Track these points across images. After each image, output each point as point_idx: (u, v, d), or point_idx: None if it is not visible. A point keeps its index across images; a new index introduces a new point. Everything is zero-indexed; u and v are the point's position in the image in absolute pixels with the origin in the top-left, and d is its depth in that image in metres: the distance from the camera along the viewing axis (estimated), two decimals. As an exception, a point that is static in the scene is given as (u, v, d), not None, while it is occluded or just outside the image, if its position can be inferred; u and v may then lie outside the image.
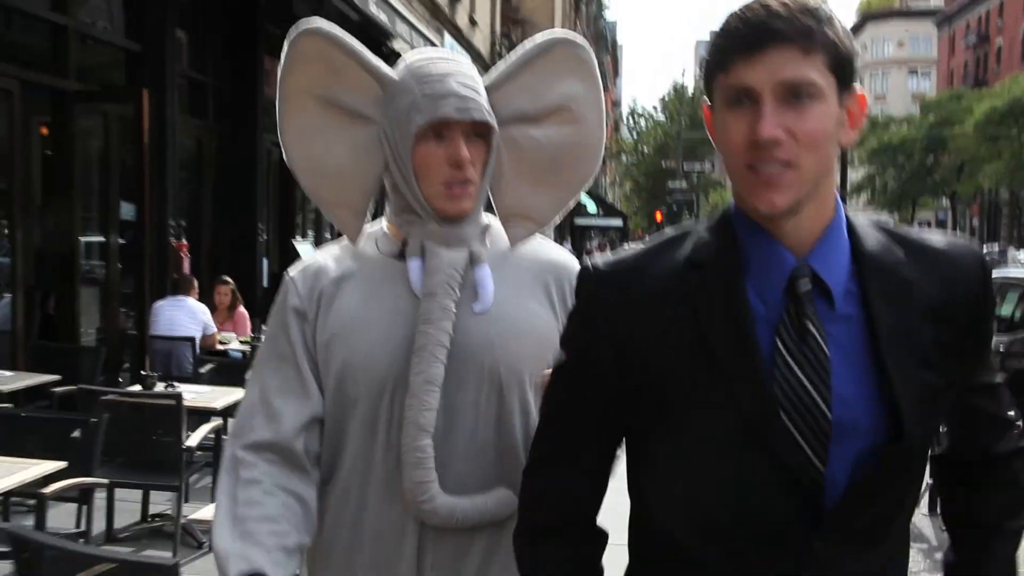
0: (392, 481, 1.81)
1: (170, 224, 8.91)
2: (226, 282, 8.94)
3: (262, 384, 1.86)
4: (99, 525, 5.24)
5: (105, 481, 4.86)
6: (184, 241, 9.24)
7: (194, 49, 9.99)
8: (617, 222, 50.12)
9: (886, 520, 1.35)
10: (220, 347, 8.32)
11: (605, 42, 78.33)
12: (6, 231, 7.29)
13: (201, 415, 5.70)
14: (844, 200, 1.48)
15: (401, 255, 1.87)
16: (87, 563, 2.44)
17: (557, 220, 2.00)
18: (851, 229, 1.39)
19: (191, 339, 7.78)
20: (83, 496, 4.66)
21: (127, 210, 8.66)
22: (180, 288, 8.27)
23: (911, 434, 1.29)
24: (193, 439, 5.36)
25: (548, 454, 1.48)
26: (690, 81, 66.36)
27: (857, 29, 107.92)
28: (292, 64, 1.89)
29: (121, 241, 8.69)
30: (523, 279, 1.91)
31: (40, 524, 4.10)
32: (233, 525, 1.74)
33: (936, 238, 1.43)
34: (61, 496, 4.42)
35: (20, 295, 7.23)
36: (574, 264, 1.92)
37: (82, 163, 8.12)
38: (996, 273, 11.14)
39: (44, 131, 7.93)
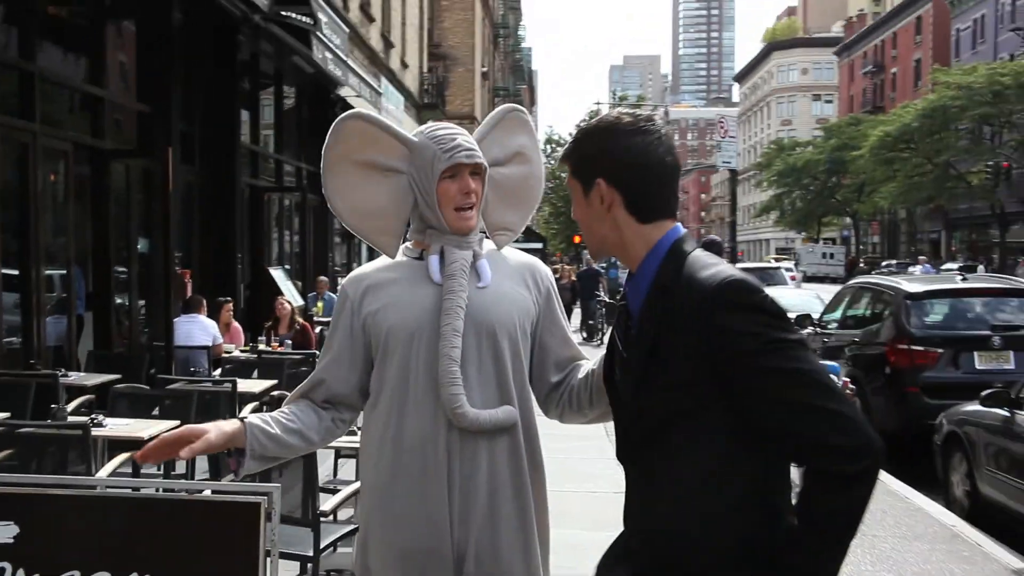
0: (426, 401, 2.46)
1: (176, 255, 10.66)
2: (228, 301, 10.75)
3: (323, 358, 2.64)
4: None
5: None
6: (187, 269, 11.00)
7: (185, 106, 11.73)
8: (537, 245, 51.90)
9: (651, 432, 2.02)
10: (224, 355, 10.07)
11: (522, 73, 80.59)
12: (65, 270, 9.02)
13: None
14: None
15: (421, 257, 2.58)
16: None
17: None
18: (662, 267, 2.03)
19: (206, 347, 9.56)
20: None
21: (143, 244, 10.42)
22: (191, 307, 10.04)
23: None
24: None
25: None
26: (605, 108, 68.07)
27: (763, 58, 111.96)
28: (336, 140, 2.61)
29: (141, 271, 10.47)
30: (508, 270, 2.64)
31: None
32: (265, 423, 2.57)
33: (691, 281, 1.96)
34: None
35: (72, 317, 9.00)
36: (538, 262, 2.76)
37: (114, 209, 9.87)
38: (854, 280, 13.29)
39: (53, 177, 9.55)
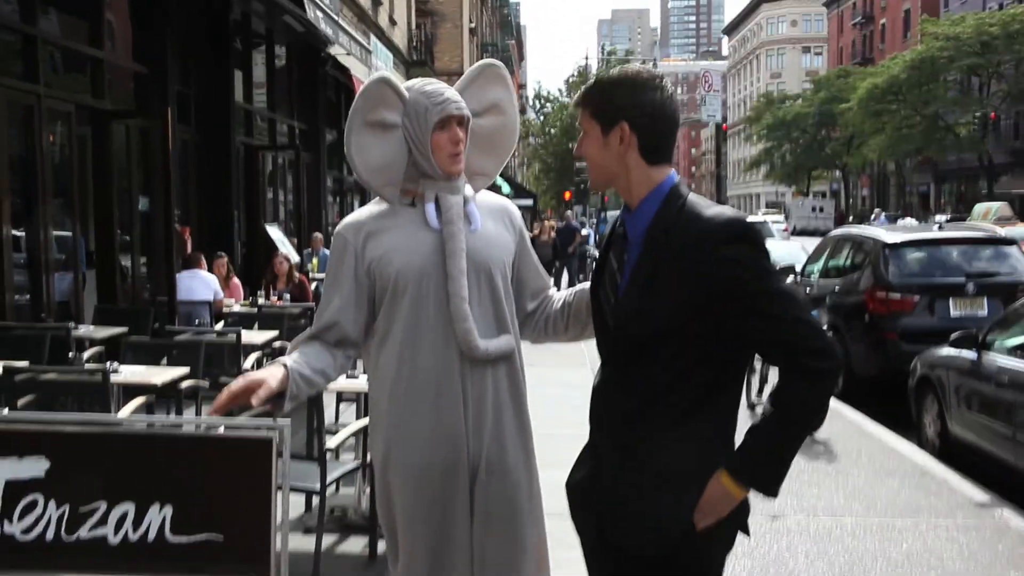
0: (438, 335, 2.75)
1: (175, 213, 10.92)
2: (221, 256, 11.03)
3: (328, 301, 2.84)
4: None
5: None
6: (186, 226, 11.27)
7: (181, 67, 11.93)
8: (528, 201, 52.11)
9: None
10: (225, 309, 10.37)
11: (510, 28, 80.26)
12: (71, 229, 9.31)
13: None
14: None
15: (412, 204, 2.83)
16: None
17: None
18: (664, 204, 2.33)
19: (207, 302, 9.86)
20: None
21: (143, 203, 10.69)
22: (191, 263, 10.31)
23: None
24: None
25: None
26: (594, 62, 67.80)
27: (752, 10, 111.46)
28: (362, 103, 2.83)
29: (142, 228, 10.75)
30: (490, 212, 2.94)
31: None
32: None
33: (698, 218, 2.28)
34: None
35: (79, 274, 9.29)
36: (509, 203, 3.05)
37: (115, 168, 10.13)
38: (835, 232, 13.59)
39: (52, 138, 9.79)
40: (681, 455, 2.32)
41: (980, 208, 33.25)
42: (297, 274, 11.69)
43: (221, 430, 4.69)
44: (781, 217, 55.94)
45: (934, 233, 10.89)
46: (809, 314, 2.27)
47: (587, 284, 2.75)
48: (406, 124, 2.80)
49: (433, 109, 2.77)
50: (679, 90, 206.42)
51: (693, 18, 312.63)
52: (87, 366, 6.18)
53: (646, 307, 2.31)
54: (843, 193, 74.44)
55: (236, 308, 10.46)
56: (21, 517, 4.24)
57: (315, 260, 15.40)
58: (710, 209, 2.31)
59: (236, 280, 11.22)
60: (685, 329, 2.28)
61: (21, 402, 5.54)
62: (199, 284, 10.03)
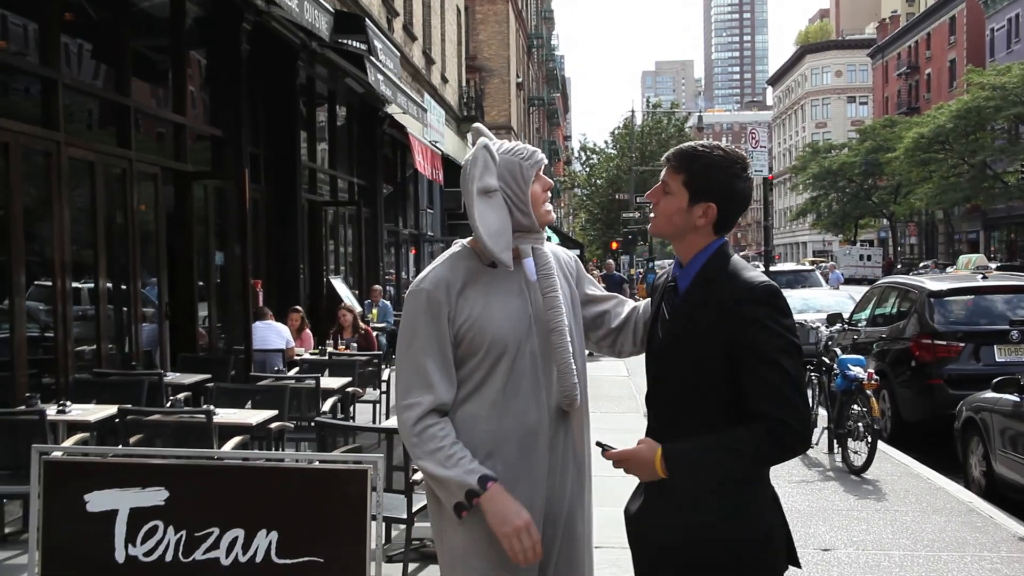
0: (535, 390, 2.81)
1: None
2: (297, 310, 11.65)
3: (415, 365, 2.76)
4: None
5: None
6: (257, 279, 11.89)
7: (251, 129, 12.62)
8: (575, 252, 52.37)
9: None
10: (296, 358, 10.94)
11: (556, 82, 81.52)
12: (154, 278, 9.95)
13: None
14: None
15: (492, 265, 2.84)
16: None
17: None
18: (708, 263, 2.65)
19: (280, 350, 10.43)
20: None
21: (219, 258, 11.36)
22: (261, 316, 10.92)
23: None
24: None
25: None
26: (639, 116, 68.27)
27: (796, 61, 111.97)
28: (474, 168, 2.86)
29: (218, 281, 11.42)
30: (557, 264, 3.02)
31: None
32: (441, 464, 2.69)
33: (735, 277, 2.60)
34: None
35: (162, 324, 9.93)
36: (560, 249, 3.10)
37: (196, 226, 10.81)
38: (881, 281, 13.94)
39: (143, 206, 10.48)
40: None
41: (963, 259, 41.49)
42: (362, 325, 12.26)
43: (316, 464, 5.20)
44: (832, 263, 56.06)
45: (978, 282, 11.21)
46: (805, 399, 2.56)
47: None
48: (502, 186, 2.86)
49: (527, 165, 2.87)
50: (723, 140, 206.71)
51: (737, 69, 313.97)
52: (185, 408, 6.73)
53: (687, 341, 2.62)
54: (891, 241, 74.17)
55: (307, 356, 11.03)
56: (144, 541, 4.77)
57: (375, 311, 15.97)
58: (747, 271, 2.63)
59: (308, 331, 11.81)
60: (716, 363, 2.57)
61: (131, 440, 6.08)
62: (273, 334, 10.62)
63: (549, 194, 2.95)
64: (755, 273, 2.66)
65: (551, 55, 77.77)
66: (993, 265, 39.27)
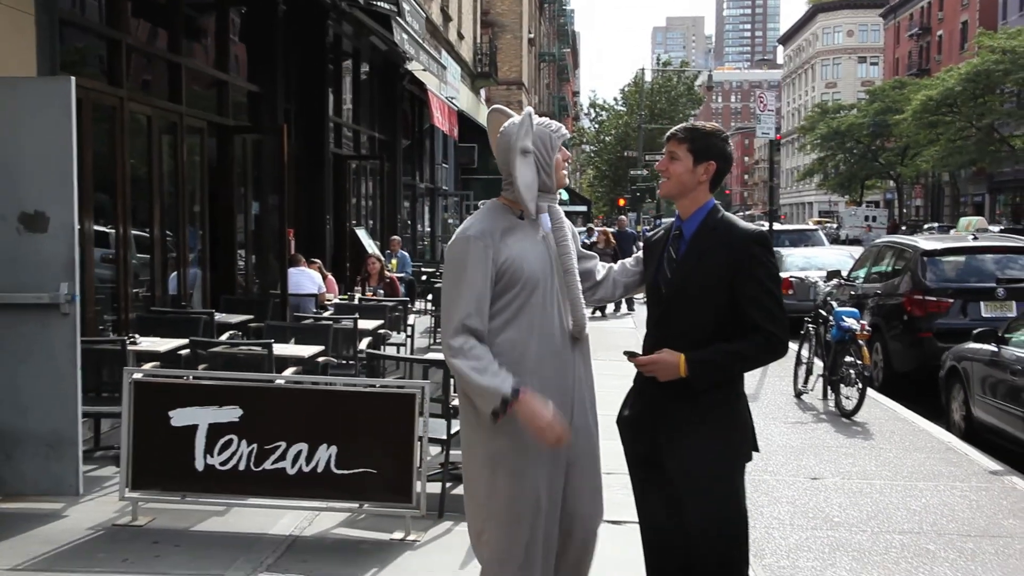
0: (555, 318, 3.47)
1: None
2: (315, 262, 12.37)
3: (463, 297, 3.36)
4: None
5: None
6: (291, 228, 12.60)
7: (285, 85, 13.27)
8: (582, 208, 52.97)
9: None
10: (326, 302, 11.67)
11: (566, 38, 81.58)
12: (200, 229, 10.70)
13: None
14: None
15: (521, 216, 3.49)
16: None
17: None
18: (708, 215, 3.50)
19: (313, 295, 11.18)
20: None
21: (255, 207, 12.09)
22: (295, 263, 11.64)
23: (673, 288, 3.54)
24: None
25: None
26: (648, 73, 68.31)
27: (808, 20, 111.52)
28: (519, 129, 3.48)
29: (253, 229, 12.16)
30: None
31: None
32: (481, 374, 3.29)
33: (735, 225, 3.47)
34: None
35: (206, 268, 10.69)
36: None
37: (236, 177, 11.52)
38: (878, 240, 14.63)
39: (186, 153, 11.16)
40: (719, 393, 3.44)
41: (963, 221, 42.84)
42: (387, 274, 13.00)
43: (373, 388, 5.94)
44: (834, 224, 56.59)
45: (969, 242, 11.88)
46: (785, 312, 3.45)
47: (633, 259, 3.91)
48: (535, 150, 3.48)
49: (555, 136, 3.53)
50: (733, 99, 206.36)
51: (748, 27, 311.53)
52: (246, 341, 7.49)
53: (697, 273, 3.43)
54: (897, 203, 74.46)
55: (335, 301, 11.76)
56: (220, 452, 5.56)
57: (394, 261, 16.67)
58: (742, 222, 3.52)
59: (331, 278, 12.54)
60: (720, 288, 3.39)
61: (200, 368, 6.84)
62: (306, 280, 11.35)
63: (567, 163, 3.61)
64: (747, 223, 3.56)
65: (562, 10, 77.68)
66: (996, 228, 39.76)
